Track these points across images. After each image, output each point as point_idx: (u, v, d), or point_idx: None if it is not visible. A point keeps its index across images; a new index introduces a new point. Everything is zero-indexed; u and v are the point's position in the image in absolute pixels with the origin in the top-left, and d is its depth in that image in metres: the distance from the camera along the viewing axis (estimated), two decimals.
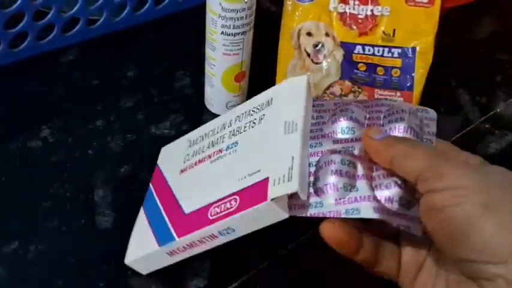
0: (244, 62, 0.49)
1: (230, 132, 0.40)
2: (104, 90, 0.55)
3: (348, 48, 0.50)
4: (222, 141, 0.40)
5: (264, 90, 0.41)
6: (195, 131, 0.45)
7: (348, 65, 0.50)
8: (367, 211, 0.31)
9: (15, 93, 0.54)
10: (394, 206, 0.31)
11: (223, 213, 0.34)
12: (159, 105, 0.54)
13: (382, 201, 0.31)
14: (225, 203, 0.34)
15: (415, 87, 0.49)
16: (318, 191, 0.32)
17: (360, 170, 0.32)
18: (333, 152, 0.34)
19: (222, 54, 0.48)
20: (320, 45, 0.50)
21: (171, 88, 0.56)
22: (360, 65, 0.50)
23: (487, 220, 0.26)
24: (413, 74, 0.49)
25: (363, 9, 0.50)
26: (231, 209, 0.33)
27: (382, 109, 0.36)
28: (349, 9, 0.50)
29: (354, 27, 0.50)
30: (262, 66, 0.52)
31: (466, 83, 0.59)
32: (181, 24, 0.64)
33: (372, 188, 0.32)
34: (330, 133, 0.35)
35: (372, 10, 0.50)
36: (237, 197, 0.34)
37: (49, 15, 0.55)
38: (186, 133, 0.47)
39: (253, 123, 0.39)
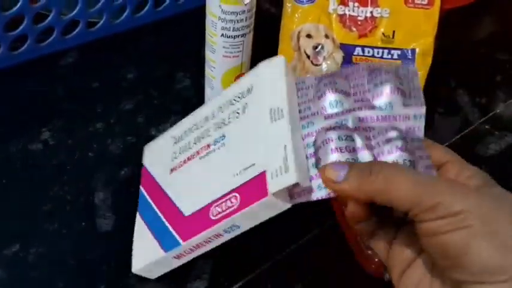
0: (244, 64, 0.49)
1: (215, 124, 0.40)
2: (104, 92, 0.55)
3: (347, 50, 0.50)
4: (208, 135, 0.40)
5: None
6: (177, 126, 0.44)
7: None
8: None
9: (16, 95, 0.54)
10: None
11: (226, 212, 0.34)
12: (159, 107, 0.54)
13: None
14: (226, 201, 0.34)
15: None
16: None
17: (359, 141, 0.32)
18: (328, 129, 0.33)
19: (222, 56, 0.48)
20: (320, 47, 0.50)
21: (171, 90, 0.56)
22: None
23: (483, 243, 0.26)
24: None
25: (362, 11, 0.50)
26: (233, 207, 0.33)
27: (363, 73, 0.35)
28: (349, 11, 0.50)
29: (354, 29, 0.50)
30: None
31: (465, 84, 0.59)
32: (181, 26, 0.64)
33: (375, 157, 0.31)
34: (319, 110, 0.34)
35: (371, 12, 0.50)
36: (237, 194, 0.34)
37: (49, 18, 0.55)
38: None
39: (237, 113, 0.38)
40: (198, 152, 0.40)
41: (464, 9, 0.66)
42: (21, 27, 0.53)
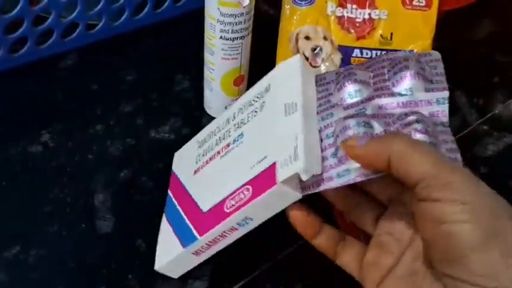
0: (243, 66, 0.50)
1: (235, 125, 0.40)
2: (104, 94, 0.55)
3: (345, 51, 0.50)
4: (229, 136, 0.40)
5: None
6: (202, 131, 0.45)
7: None
8: None
9: (15, 98, 0.54)
10: None
11: (238, 204, 0.34)
12: (158, 109, 0.54)
13: None
14: (239, 194, 0.34)
15: None
16: (342, 160, 0.32)
17: (377, 127, 0.31)
18: (346, 117, 0.33)
19: (221, 58, 0.48)
20: (318, 49, 0.50)
21: (170, 92, 0.56)
22: None
23: (489, 245, 0.25)
24: None
25: (360, 13, 0.50)
26: (245, 199, 0.33)
27: (384, 64, 0.35)
28: (347, 13, 0.50)
29: (352, 30, 0.50)
30: (261, 70, 0.52)
31: (463, 85, 0.59)
32: (180, 29, 0.64)
33: None
34: (338, 101, 0.34)
35: (369, 14, 0.50)
36: (249, 187, 0.34)
37: (48, 20, 0.55)
38: (186, 137, 0.47)
39: (255, 112, 0.39)
40: (218, 152, 0.40)
41: (462, 11, 0.67)
42: (21, 30, 0.54)
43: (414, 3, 0.49)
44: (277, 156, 0.33)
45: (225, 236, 0.35)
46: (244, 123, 0.39)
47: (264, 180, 0.33)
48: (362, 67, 0.36)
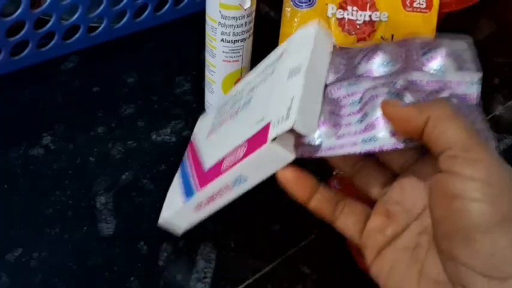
0: (244, 69, 0.50)
1: (248, 90, 0.41)
2: (105, 97, 0.56)
3: None
4: (241, 100, 0.41)
5: None
6: (222, 98, 0.46)
7: None
8: None
9: (17, 101, 0.54)
10: None
11: (232, 162, 0.34)
12: (159, 112, 0.54)
13: None
14: (235, 153, 0.35)
15: None
16: (369, 127, 0.31)
17: (409, 98, 0.31)
18: (376, 86, 0.32)
19: (222, 61, 0.48)
20: None
21: (172, 94, 0.56)
22: None
23: (502, 232, 0.24)
24: None
25: (361, 15, 0.50)
26: (239, 157, 0.34)
27: (416, 42, 0.34)
28: (348, 15, 0.50)
29: (353, 32, 0.50)
30: None
31: None
32: (181, 31, 0.65)
33: None
34: (365, 72, 0.34)
35: (370, 16, 0.50)
36: (244, 146, 0.34)
37: (50, 23, 0.55)
38: (187, 139, 0.47)
39: (267, 77, 0.39)
40: (230, 116, 0.41)
41: (463, 13, 0.67)
42: (22, 33, 0.54)
43: (415, 5, 0.49)
44: (272, 116, 0.33)
45: (221, 194, 0.35)
46: (256, 88, 0.40)
47: (258, 139, 0.33)
48: (392, 43, 0.35)
